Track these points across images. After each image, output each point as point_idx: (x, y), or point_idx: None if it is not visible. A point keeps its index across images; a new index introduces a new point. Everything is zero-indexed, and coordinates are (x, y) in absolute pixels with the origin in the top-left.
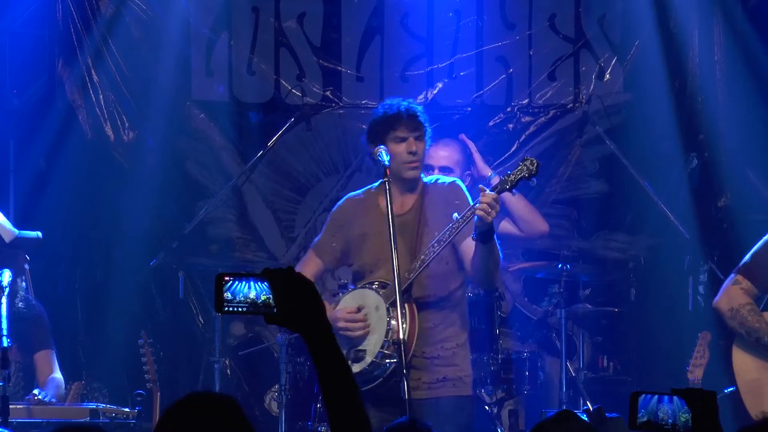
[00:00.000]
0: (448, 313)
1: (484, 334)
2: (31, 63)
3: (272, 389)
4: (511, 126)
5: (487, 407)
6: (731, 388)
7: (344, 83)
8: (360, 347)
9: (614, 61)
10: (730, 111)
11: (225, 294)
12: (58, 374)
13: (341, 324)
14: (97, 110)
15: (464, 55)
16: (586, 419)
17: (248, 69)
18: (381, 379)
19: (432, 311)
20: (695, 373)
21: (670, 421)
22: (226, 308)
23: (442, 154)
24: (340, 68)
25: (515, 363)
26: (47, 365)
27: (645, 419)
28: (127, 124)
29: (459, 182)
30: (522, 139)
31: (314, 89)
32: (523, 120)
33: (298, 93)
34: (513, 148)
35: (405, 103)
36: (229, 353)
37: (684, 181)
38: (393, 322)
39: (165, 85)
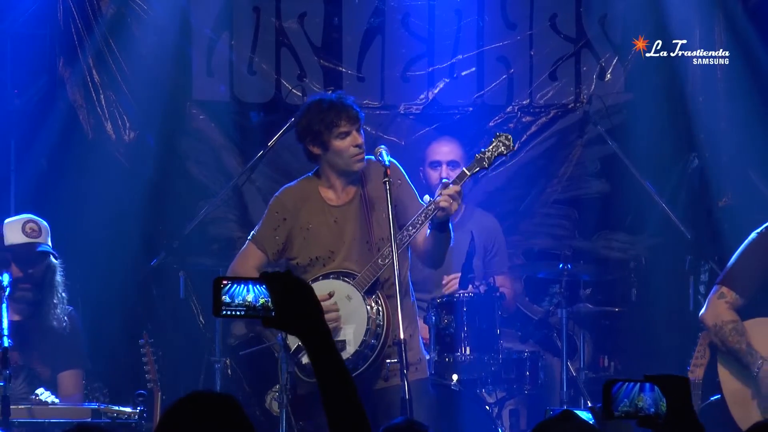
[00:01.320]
0: (403, 299)
1: (484, 334)
2: (32, 63)
3: (273, 389)
4: (512, 126)
5: (487, 407)
6: (717, 396)
7: (345, 83)
8: (339, 338)
9: (615, 60)
10: (731, 111)
11: (223, 297)
12: (79, 395)
13: None
14: (98, 110)
15: (465, 55)
16: (591, 416)
17: (249, 69)
18: (361, 369)
19: (391, 297)
20: (696, 373)
21: (652, 410)
22: (224, 312)
23: (446, 149)
24: (340, 68)
25: (516, 363)
26: (72, 386)
27: (627, 408)
28: (128, 124)
29: (393, 161)
30: (523, 139)
31: (315, 89)
32: (524, 120)
33: (298, 93)
34: (514, 148)
35: (335, 96)
36: (230, 353)
37: (685, 180)
38: (372, 309)
39: (166, 84)
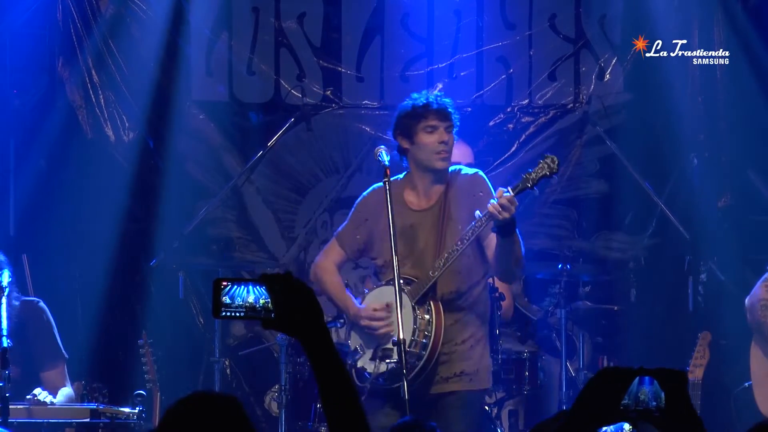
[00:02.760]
0: (469, 310)
1: None
2: (32, 63)
3: (272, 389)
4: (511, 126)
5: (487, 407)
6: (749, 383)
7: (344, 83)
8: (387, 346)
9: (614, 61)
10: (731, 111)
11: (223, 298)
12: (68, 389)
13: (364, 322)
14: (98, 110)
15: (464, 55)
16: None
17: (248, 69)
18: (411, 375)
19: (454, 307)
20: (696, 373)
21: (654, 403)
22: (224, 313)
23: (458, 152)
24: (340, 68)
25: (515, 363)
26: (60, 380)
27: (626, 401)
28: (127, 124)
29: (481, 173)
30: (522, 139)
31: (314, 89)
32: (523, 120)
33: (298, 93)
34: (513, 148)
35: (434, 95)
36: (230, 353)
37: (684, 181)
38: (420, 319)
39: (165, 85)
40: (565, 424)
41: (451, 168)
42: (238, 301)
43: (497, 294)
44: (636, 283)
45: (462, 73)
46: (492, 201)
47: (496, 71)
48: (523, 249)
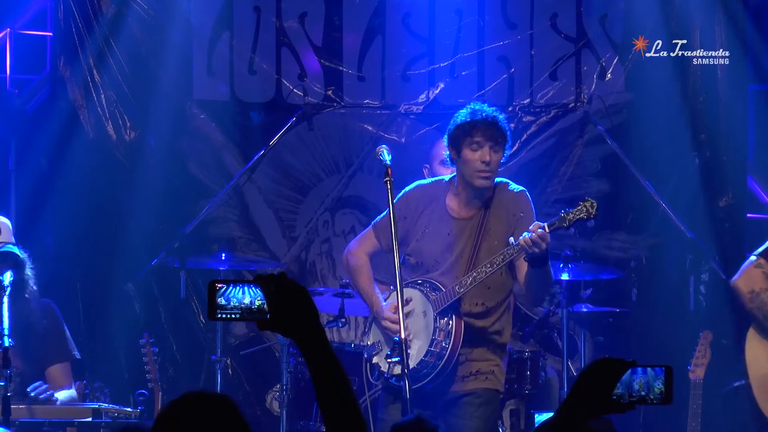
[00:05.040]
0: (494, 322)
1: None
2: (33, 63)
3: (274, 389)
4: (512, 126)
5: None
6: (740, 382)
7: (345, 83)
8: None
9: (615, 60)
10: (731, 111)
11: (218, 300)
12: (71, 390)
13: (384, 322)
14: (99, 110)
15: (466, 54)
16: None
17: (249, 68)
18: (423, 382)
19: (479, 319)
20: (697, 373)
21: (644, 393)
22: (219, 315)
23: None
24: (341, 68)
25: (517, 362)
26: (62, 378)
27: (620, 391)
28: (128, 124)
29: (527, 193)
30: (524, 138)
31: (316, 89)
32: (524, 120)
33: (299, 92)
34: (515, 148)
35: (489, 110)
36: (231, 353)
37: (685, 180)
38: (440, 331)
39: (166, 84)
40: (558, 412)
41: (497, 179)
42: (234, 303)
43: None
44: (637, 283)
45: (463, 73)
46: (525, 235)
47: (497, 71)
48: (551, 277)
